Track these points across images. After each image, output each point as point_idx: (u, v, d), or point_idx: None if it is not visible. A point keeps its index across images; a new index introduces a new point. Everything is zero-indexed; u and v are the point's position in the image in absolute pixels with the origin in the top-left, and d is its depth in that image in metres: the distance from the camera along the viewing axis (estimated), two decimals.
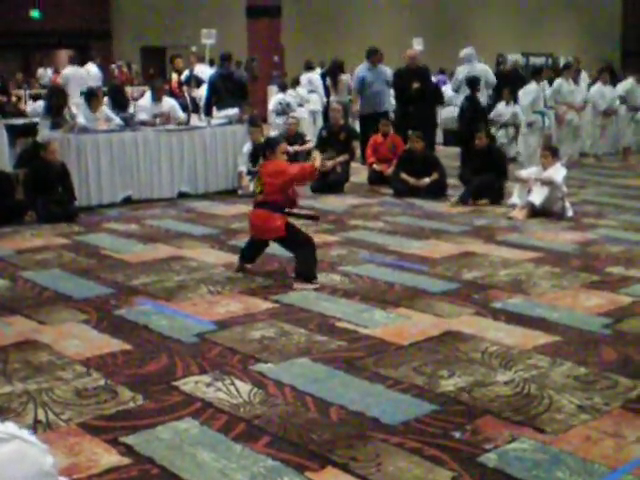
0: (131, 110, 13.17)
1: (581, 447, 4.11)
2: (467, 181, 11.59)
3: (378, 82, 14.80)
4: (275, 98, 17.03)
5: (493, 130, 14.52)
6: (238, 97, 13.64)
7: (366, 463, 3.95)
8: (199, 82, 17.41)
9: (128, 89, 19.99)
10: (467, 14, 33.76)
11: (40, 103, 12.63)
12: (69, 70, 17.98)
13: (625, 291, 6.98)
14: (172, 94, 15.34)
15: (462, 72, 15.62)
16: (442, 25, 32.27)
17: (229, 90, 13.65)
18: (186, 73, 18.14)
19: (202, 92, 16.44)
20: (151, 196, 11.59)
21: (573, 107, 15.48)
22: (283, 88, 17.24)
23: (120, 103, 13.30)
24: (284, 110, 16.44)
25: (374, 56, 14.93)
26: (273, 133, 15.50)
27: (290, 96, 17.12)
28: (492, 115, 14.57)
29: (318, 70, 19.13)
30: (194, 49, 19.07)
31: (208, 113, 13.63)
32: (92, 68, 19.44)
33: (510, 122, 15.17)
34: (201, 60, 19.10)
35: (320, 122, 16.89)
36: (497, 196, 11.14)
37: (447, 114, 18.51)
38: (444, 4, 33.12)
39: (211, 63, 19.21)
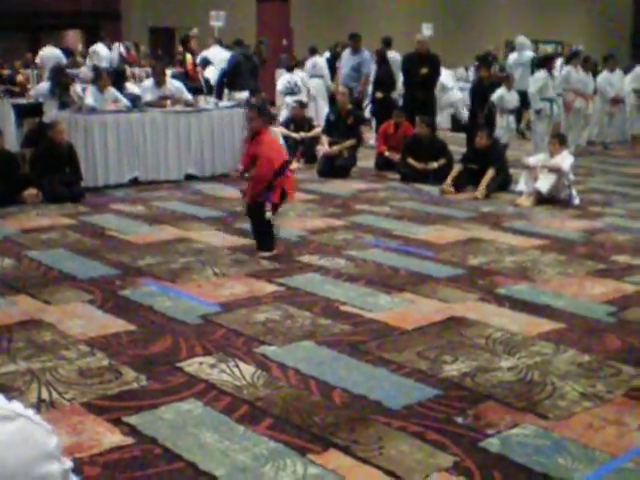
0: (78, 92, 12.91)
1: (583, 434, 4.12)
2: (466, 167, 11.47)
3: (347, 67, 15.05)
4: (283, 78, 16.99)
5: (497, 117, 14.48)
6: (254, 79, 13.69)
7: (368, 446, 3.96)
8: (206, 64, 17.36)
9: (132, 70, 19.95)
10: (477, 0, 33.63)
11: (43, 84, 12.58)
12: (46, 51, 18.05)
13: (630, 279, 6.97)
14: (187, 76, 15.29)
15: (512, 58, 17.82)
16: (452, 11, 32.13)
17: (249, 70, 13.68)
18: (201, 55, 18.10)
19: (209, 74, 16.41)
20: (158, 178, 11.58)
21: (581, 95, 15.42)
22: (290, 68, 17.22)
23: (61, 84, 12.76)
24: (293, 90, 16.42)
25: (351, 41, 15.16)
26: (284, 113, 15.48)
27: (297, 77, 17.08)
28: (494, 99, 14.51)
29: (327, 54, 19.08)
30: (195, 31, 19.02)
31: (219, 96, 13.58)
32: (101, 49, 19.43)
33: (515, 109, 15.14)
34: (217, 42, 19.04)
35: (321, 106, 16.85)
36: (501, 187, 11.06)
37: (454, 99, 18.63)
38: None
39: (220, 44, 19.17)
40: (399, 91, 15.81)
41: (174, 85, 12.57)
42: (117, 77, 13.94)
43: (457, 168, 11.27)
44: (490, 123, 13.42)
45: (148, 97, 12.26)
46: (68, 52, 21.03)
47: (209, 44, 18.60)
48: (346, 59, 15.32)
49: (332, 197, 10.64)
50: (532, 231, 8.80)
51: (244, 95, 13.18)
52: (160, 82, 12.38)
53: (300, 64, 17.59)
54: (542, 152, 11.34)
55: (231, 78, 13.80)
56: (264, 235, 7.69)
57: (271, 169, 7.54)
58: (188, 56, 16.32)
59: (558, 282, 6.90)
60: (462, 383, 4.74)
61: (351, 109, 13.36)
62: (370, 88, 15.51)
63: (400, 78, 15.74)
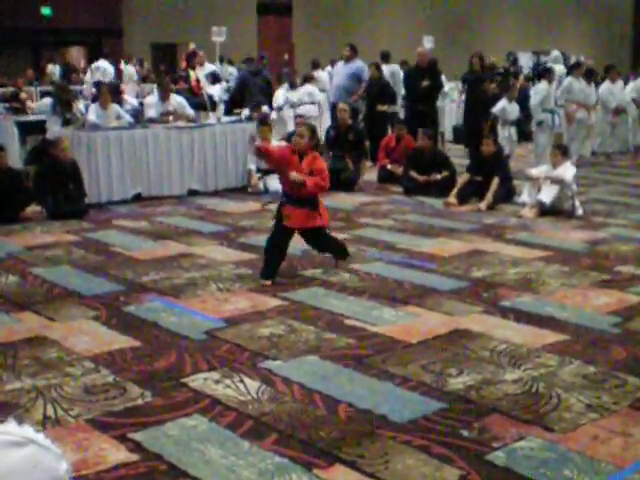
0: (80, 109, 12.95)
1: (589, 446, 4.11)
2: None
3: (339, 76, 15.06)
4: (281, 93, 17.03)
5: (498, 127, 14.52)
6: (265, 95, 13.74)
7: (374, 460, 3.96)
8: (215, 80, 17.46)
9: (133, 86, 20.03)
10: (478, 12, 33.71)
11: (45, 100, 12.64)
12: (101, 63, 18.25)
13: (634, 290, 6.96)
14: (192, 92, 15.36)
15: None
16: (453, 23, 32.23)
17: (258, 86, 13.72)
18: (210, 69, 18.22)
19: (216, 90, 16.51)
20: (161, 193, 11.60)
21: (583, 105, 15.43)
22: (292, 85, 17.29)
23: (63, 101, 12.87)
24: (293, 104, 16.52)
25: (345, 50, 15.21)
26: (285, 129, 15.49)
27: (300, 93, 17.13)
28: (496, 111, 14.56)
29: (329, 68, 19.13)
30: (193, 46, 19.12)
31: (229, 112, 13.62)
32: (104, 65, 19.49)
33: (516, 120, 15.16)
34: (219, 59, 19.17)
35: (324, 120, 16.90)
36: (505, 198, 11.06)
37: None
38: (455, 2, 33.06)
39: (221, 60, 19.24)
40: (400, 104, 15.88)
41: (176, 101, 12.61)
42: (113, 92, 13.98)
43: (464, 178, 11.27)
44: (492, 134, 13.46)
45: (152, 113, 12.29)
46: (69, 68, 21.15)
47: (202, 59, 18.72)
48: (339, 68, 15.39)
49: (335, 210, 10.63)
50: (535, 242, 8.80)
51: (246, 111, 13.23)
52: (165, 97, 12.44)
53: (310, 78, 17.65)
54: (544, 163, 11.34)
55: (238, 95, 13.86)
56: (338, 246, 7.78)
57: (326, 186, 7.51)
58: (192, 72, 16.38)
59: (562, 293, 6.90)
60: (467, 396, 4.73)
61: (352, 124, 13.37)
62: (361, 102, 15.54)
63: (401, 91, 15.80)
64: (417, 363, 5.25)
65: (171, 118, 12.05)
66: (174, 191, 11.71)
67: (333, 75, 15.50)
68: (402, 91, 16.16)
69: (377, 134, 14.37)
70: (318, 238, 7.62)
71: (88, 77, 16.56)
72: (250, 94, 13.65)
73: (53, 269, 7.74)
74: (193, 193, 11.87)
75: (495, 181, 10.80)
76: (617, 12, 37.33)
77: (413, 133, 12.86)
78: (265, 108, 13.40)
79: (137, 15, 28.08)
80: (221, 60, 19.09)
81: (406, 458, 3.97)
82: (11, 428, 1.43)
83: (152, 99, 12.91)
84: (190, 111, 12.53)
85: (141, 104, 14.52)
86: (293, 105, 16.70)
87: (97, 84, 15.25)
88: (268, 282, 7.17)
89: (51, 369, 5.16)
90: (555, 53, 19.96)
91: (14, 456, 1.39)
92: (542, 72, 16.05)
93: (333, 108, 14.58)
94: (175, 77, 17.89)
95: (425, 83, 13.87)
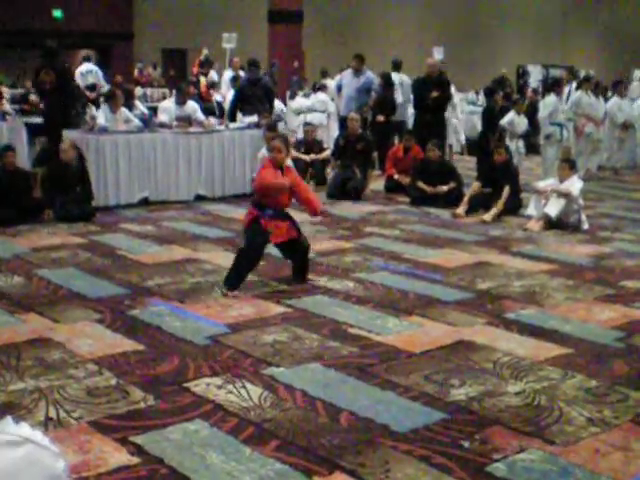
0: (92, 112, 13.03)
1: (590, 459, 4.10)
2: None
3: (350, 87, 15.06)
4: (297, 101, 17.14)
5: (507, 140, 14.53)
6: (265, 103, 13.73)
7: (374, 469, 3.95)
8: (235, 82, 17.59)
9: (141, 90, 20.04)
10: (488, 25, 33.72)
11: None
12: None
13: (639, 305, 6.96)
14: (201, 98, 15.42)
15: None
16: (463, 35, 32.24)
17: (256, 96, 13.72)
18: (231, 74, 18.29)
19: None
20: (168, 198, 11.63)
21: (593, 120, 15.44)
22: (293, 95, 17.38)
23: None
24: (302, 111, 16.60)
25: (354, 61, 15.20)
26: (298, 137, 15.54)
27: (311, 101, 17.20)
28: (505, 124, 14.56)
29: (338, 77, 19.15)
30: (205, 52, 19.15)
31: (232, 119, 13.65)
32: (94, 68, 19.43)
33: (524, 133, 15.17)
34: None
35: (332, 129, 16.92)
36: (511, 210, 11.06)
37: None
38: (466, 14, 33.09)
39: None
40: (409, 114, 15.89)
41: (191, 106, 12.68)
42: (126, 96, 14.03)
43: (474, 187, 11.28)
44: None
45: (164, 117, 12.34)
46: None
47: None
48: (349, 79, 15.36)
49: (341, 219, 10.66)
50: (541, 255, 8.80)
51: (252, 119, 13.24)
52: (183, 101, 12.52)
53: (322, 87, 17.69)
54: (552, 177, 11.35)
55: (240, 104, 13.90)
56: (304, 265, 7.60)
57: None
58: (202, 78, 16.41)
59: (566, 307, 6.89)
60: (469, 407, 4.73)
61: (361, 134, 13.37)
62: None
63: (411, 101, 15.80)
64: (420, 373, 5.25)
65: (174, 124, 12.06)
66: (181, 196, 11.75)
67: (343, 86, 15.44)
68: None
69: (381, 143, 14.39)
70: (295, 246, 7.46)
71: (79, 81, 16.46)
72: (248, 103, 13.66)
73: (59, 271, 7.76)
74: (200, 198, 11.91)
75: (506, 189, 10.82)
76: (627, 25, 37.30)
77: (421, 144, 12.87)
78: (255, 117, 13.42)
79: (148, 19, 28.15)
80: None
81: (406, 467, 3.98)
82: (8, 427, 1.44)
83: (168, 103, 12.96)
84: (202, 116, 12.58)
85: (151, 108, 14.57)
86: (298, 112, 16.77)
87: (92, 87, 15.24)
88: (235, 292, 7.04)
89: (54, 371, 5.17)
90: (636, 73, 20.16)
91: (12, 456, 1.40)
92: (551, 85, 16.04)
93: (343, 121, 14.59)
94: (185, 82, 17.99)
95: (434, 94, 13.87)
